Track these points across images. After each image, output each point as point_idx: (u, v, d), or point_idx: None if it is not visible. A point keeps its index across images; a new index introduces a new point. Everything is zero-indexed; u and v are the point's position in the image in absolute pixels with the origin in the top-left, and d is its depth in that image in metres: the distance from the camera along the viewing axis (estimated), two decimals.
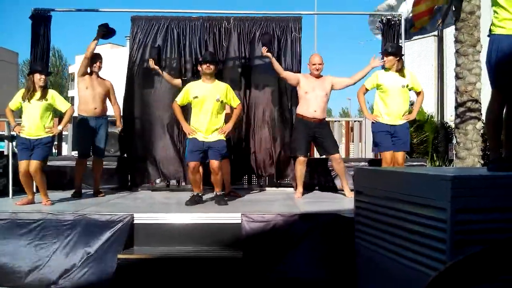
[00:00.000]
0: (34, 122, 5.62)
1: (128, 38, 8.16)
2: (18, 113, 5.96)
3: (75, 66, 47.53)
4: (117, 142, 7.64)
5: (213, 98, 5.67)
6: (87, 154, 6.53)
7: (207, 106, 5.67)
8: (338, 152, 6.49)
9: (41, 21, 7.78)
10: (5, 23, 71.72)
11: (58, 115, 6.48)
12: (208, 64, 5.71)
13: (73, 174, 7.01)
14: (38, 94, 5.65)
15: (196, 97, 5.69)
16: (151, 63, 6.61)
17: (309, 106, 6.32)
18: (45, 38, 7.79)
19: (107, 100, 6.64)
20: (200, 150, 5.67)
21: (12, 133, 7.17)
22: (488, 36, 3.72)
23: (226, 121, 5.97)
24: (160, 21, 7.58)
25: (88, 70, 6.54)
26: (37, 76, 5.67)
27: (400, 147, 6.09)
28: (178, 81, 6.71)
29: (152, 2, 69.75)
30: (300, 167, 6.40)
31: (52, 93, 5.79)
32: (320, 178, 7.39)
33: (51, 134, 5.70)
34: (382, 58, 6.31)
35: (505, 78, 3.60)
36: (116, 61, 33.20)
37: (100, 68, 6.59)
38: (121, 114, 6.81)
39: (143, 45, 7.48)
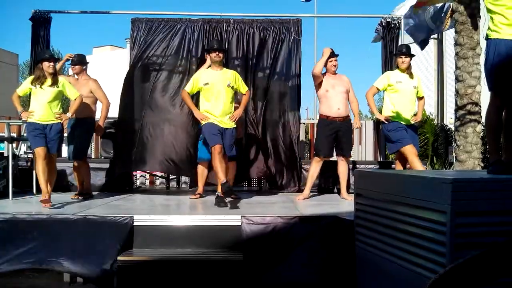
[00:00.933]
0: (45, 107, 5.66)
1: (128, 40, 8.16)
2: (25, 104, 5.96)
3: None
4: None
5: (224, 83, 5.78)
6: (68, 155, 6.53)
7: (219, 92, 5.78)
8: (350, 156, 6.49)
9: (41, 23, 7.82)
10: (5, 24, 71.73)
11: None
12: (217, 52, 5.83)
13: (72, 176, 7.02)
14: (49, 81, 5.70)
15: (207, 83, 5.79)
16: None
17: (332, 105, 6.30)
18: (45, 40, 7.81)
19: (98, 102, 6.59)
20: (219, 133, 5.75)
21: (12, 134, 7.17)
22: (486, 39, 3.75)
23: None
24: (160, 23, 7.59)
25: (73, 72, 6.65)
26: (46, 64, 5.69)
27: (413, 142, 6.07)
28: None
29: (152, 4, 69.81)
30: (313, 166, 6.41)
31: (62, 81, 5.84)
32: (321, 180, 7.36)
33: (60, 120, 5.75)
34: (395, 60, 6.31)
35: (502, 82, 3.62)
36: (116, 63, 33.21)
37: (76, 71, 6.58)
38: (107, 113, 6.61)
39: (143, 47, 7.49)
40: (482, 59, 7.58)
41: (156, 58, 7.45)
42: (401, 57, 6.16)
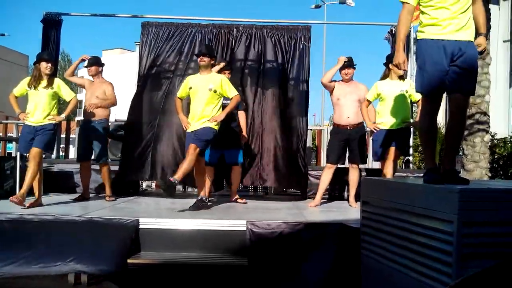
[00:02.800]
0: (39, 109, 5.66)
1: (138, 43, 8.20)
2: (23, 104, 5.98)
3: (84, 70, 47.70)
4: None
5: (205, 87, 5.75)
6: (83, 156, 6.54)
7: (200, 96, 5.77)
8: (360, 163, 6.45)
9: (52, 25, 7.87)
10: (17, 26, 72.31)
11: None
12: (201, 57, 5.87)
13: (79, 178, 7.06)
14: (44, 82, 5.70)
15: (190, 87, 5.84)
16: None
17: (342, 113, 6.30)
18: (55, 42, 7.87)
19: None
20: (191, 136, 5.74)
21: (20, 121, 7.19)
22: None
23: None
24: (170, 28, 7.62)
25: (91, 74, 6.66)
26: (43, 65, 5.71)
27: (394, 145, 6.04)
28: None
29: (162, 8, 70.18)
30: (325, 173, 6.39)
31: (58, 82, 5.83)
32: (331, 187, 7.30)
33: (53, 121, 5.70)
34: (388, 68, 6.29)
35: (429, 84, 3.61)
36: (125, 66, 33.35)
37: (91, 72, 6.60)
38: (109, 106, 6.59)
39: (153, 50, 7.52)
40: (491, 69, 7.58)
41: (166, 63, 7.48)
42: (390, 67, 6.18)
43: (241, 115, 6.70)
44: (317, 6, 27.18)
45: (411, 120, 6.46)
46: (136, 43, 29.58)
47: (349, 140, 6.31)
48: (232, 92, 5.87)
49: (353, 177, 6.38)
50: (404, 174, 7.32)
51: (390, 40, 8.33)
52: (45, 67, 5.71)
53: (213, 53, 6.30)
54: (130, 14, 9.01)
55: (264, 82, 7.47)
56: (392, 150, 6.00)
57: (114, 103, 6.50)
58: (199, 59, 5.90)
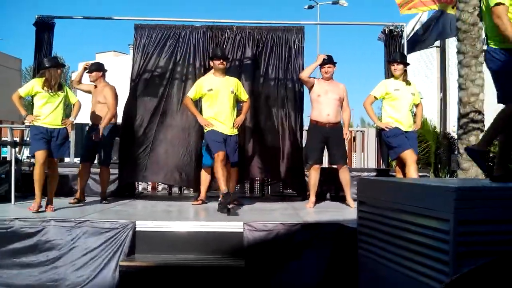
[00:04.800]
0: (56, 112, 5.71)
1: (132, 46, 8.17)
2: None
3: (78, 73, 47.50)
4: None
5: (227, 90, 5.87)
6: (87, 156, 6.62)
7: (223, 98, 5.85)
8: (345, 163, 6.45)
9: (44, 28, 7.83)
10: (9, 29, 71.96)
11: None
12: (221, 60, 5.93)
13: (75, 180, 7.03)
14: (59, 86, 5.77)
15: (211, 89, 5.85)
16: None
17: (322, 110, 6.30)
18: (48, 45, 7.83)
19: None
20: (223, 139, 5.82)
21: (14, 138, 7.18)
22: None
23: None
24: (164, 30, 7.60)
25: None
26: (59, 71, 5.84)
27: (411, 147, 6.07)
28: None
29: (155, 10, 70.10)
30: (313, 174, 6.37)
31: (65, 85, 5.97)
32: (323, 188, 7.33)
33: (65, 125, 5.79)
34: (390, 67, 6.33)
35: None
36: (119, 68, 33.26)
37: (93, 78, 6.69)
38: (109, 121, 6.58)
39: (146, 53, 7.50)
40: (485, 68, 7.61)
41: (160, 65, 7.46)
42: (393, 65, 6.22)
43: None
44: (310, 7, 27.24)
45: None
46: (130, 46, 29.51)
47: (328, 139, 6.32)
48: (245, 95, 6.11)
49: (345, 177, 6.37)
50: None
51: (383, 39, 8.34)
52: (58, 73, 5.80)
53: (228, 56, 6.44)
54: (123, 17, 8.98)
55: (258, 83, 7.46)
56: (410, 153, 5.98)
57: (112, 112, 6.53)
58: (218, 62, 5.92)
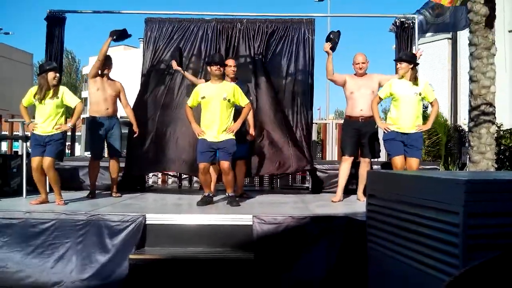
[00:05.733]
0: (47, 120, 5.68)
1: (142, 40, 8.19)
2: (32, 112, 6.00)
3: (89, 67, 47.87)
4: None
5: (219, 97, 5.74)
6: (100, 155, 6.60)
7: (214, 106, 5.74)
8: (373, 158, 6.44)
9: (55, 23, 7.86)
10: (21, 24, 72.44)
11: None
12: (218, 66, 5.82)
13: (85, 174, 7.08)
14: (50, 92, 5.70)
15: (203, 97, 5.79)
16: (174, 64, 6.77)
17: (355, 106, 6.29)
18: (59, 39, 7.87)
19: (118, 101, 6.71)
20: (209, 150, 5.74)
21: (26, 133, 7.22)
22: None
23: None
24: (174, 23, 7.61)
25: (99, 72, 6.61)
26: (51, 75, 5.72)
27: (413, 154, 5.97)
28: (201, 81, 6.70)
29: (165, 4, 70.11)
30: (343, 165, 6.36)
31: (63, 90, 5.83)
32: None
33: (59, 131, 5.72)
34: (396, 66, 6.25)
35: None
36: (129, 62, 33.39)
37: (109, 71, 6.68)
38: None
39: (156, 46, 7.51)
40: (497, 60, 7.54)
41: (170, 59, 7.47)
42: (397, 64, 6.13)
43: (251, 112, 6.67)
44: None
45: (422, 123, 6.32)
46: (140, 40, 29.60)
47: (361, 133, 6.29)
48: (244, 100, 5.92)
49: (363, 171, 6.32)
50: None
51: (395, 31, 8.29)
52: (52, 77, 5.72)
53: (225, 63, 6.29)
54: (133, 11, 9.00)
55: (268, 76, 7.44)
56: (415, 161, 5.89)
57: (126, 102, 6.68)
58: (215, 68, 5.81)
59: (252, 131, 6.55)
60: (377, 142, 6.49)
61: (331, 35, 6.44)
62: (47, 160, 5.57)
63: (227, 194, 5.87)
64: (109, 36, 6.69)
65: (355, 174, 6.79)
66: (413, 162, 5.92)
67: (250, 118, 6.57)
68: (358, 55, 6.43)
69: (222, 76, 5.95)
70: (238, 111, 6.00)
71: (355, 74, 6.42)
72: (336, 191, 6.43)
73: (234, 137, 5.84)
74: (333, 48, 6.36)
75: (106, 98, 6.50)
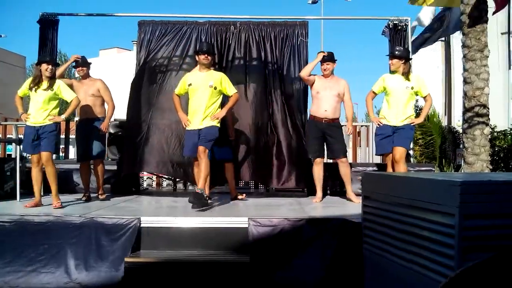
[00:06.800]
0: (39, 110, 5.67)
1: (135, 42, 8.18)
2: (27, 106, 5.97)
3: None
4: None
5: (206, 84, 5.74)
6: (84, 156, 6.53)
7: (200, 93, 5.75)
8: (345, 157, 6.48)
9: (48, 25, 7.86)
10: (13, 26, 72.05)
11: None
12: (206, 55, 5.82)
13: (79, 177, 7.06)
14: (45, 84, 5.70)
15: (190, 84, 5.81)
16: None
17: (320, 106, 6.38)
18: (52, 42, 7.85)
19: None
20: (195, 142, 5.73)
21: (19, 136, 7.19)
22: None
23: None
24: (167, 26, 7.62)
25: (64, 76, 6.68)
26: (44, 66, 5.72)
27: (398, 142, 6.03)
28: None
29: (159, 7, 70.00)
30: (316, 169, 6.44)
31: (59, 83, 5.82)
32: (328, 182, 7.31)
33: (52, 121, 5.70)
34: (388, 61, 6.33)
35: None
36: (122, 65, 33.24)
37: (84, 72, 6.61)
38: (112, 114, 6.69)
39: (149, 49, 7.51)
40: (490, 61, 7.57)
41: (163, 60, 7.48)
42: (390, 59, 6.23)
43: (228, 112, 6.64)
44: (314, 2, 27.17)
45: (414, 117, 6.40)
46: (133, 42, 29.53)
47: (325, 135, 6.38)
48: (231, 90, 5.89)
49: (344, 171, 6.39)
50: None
51: (387, 34, 8.31)
52: (45, 68, 5.71)
53: (214, 51, 6.32)
54: (126, 13, 9.00)
55: (262, 78, 7.45)
56: (398, 150, 5.99)
57: (109, 100, 6.56)
58: (202, 57, 5.81)
59: (231, 130, 6.62)
60: (343, 141, 6.64)
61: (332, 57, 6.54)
62: (45, 155, 5.59)
63: (194, 189, 5.77)
64: (70, 61, 6.81)
65: (337, 176, 6.86)
66: (397, 151, 5.96)
67: (230, 119, 6.58)
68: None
69: (210, 66, 5.94)
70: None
71: (322, 75, 6.52)
72: (316, 193, 6.53)
73: (217, 125, 5.80)
74: (322, 60, 6.48)
75: (86, 99, 6.41)
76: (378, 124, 6.17)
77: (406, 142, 6.22)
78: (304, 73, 6.53)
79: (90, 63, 6.74)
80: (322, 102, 6.36)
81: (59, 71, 6.56)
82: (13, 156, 7.55)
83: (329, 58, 6.47)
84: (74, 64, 6.69)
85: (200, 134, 5.72)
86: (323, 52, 6.51)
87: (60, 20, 8.02)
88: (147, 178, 8.99)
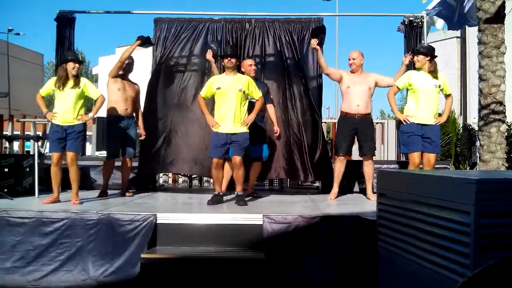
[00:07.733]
0: (67, 109, 5.71)
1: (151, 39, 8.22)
2: (48, 105, 6.04)
3: (98, 67, 48.00)
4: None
5: (235, 88, 5.77)
6: (116, 154, 6.64)
7: (230, 97, 5.77)
8: (373, 155, 6.46)
9: (65, 23, 7.94)
10: (31, 24, 72.81)
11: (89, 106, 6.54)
12: (229, 58, 5.85)
13: (97, 174, 7.13)
14: (71, 82, 5.75)
15: (219, 88, 5.81)
16: (209, 54, 6.82)
17: (351, 102, 6.32)
18: (69, 40, 7.93)
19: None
20: (222, 145, 5.76)
21: (38, 132, 7.30)
22: None
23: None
24: (183, 23, 7.65)
25: (121, 73, 6.65)
26: (70, 65, 5.77)
27: (432, 149, 5.98)
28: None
29: (175, 4, 70.23)
30: (339, 165, 6.41)
31: (84, 81, 5.90)
32: (345, 180, 7.27)
33: (81, 121, 5.77)
34: (413, 58, 6.24)
35: None
36: (139, 62, 33.32)
37: (131, 72, 6.74)
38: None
39: (166, 46, 7.55)
40: (506, 58, 7.51)
41: (179, 59, 7.52)
42: (415, 56, 6.14)
43: (270, 108, 6.67)
44: None
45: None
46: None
47: (358, 130, 6.32)
48: (257, 93, 5.95)
49: (368, 170, 6.37)
50: (421, 166, 7.28)
51: (402, 30, 8.27)
52: (72, 67, 5.76)
53: (237, 54, 6.34)
54: (143, 11, 9.06)
55: (277, 75, 7.46)
56: (432, 157, 5.98)
57: (139, 103, 6.71)
58: (226, 60, 5.85)
59: (276, 126, 6.58)
60: (374, 139, 6.59)
61: (319, 31, 6.60)
62: (71, 155, 5.68)
63: (236, 193, 5.88)
64: (136, 40, 6.72)
65: (353, 173, 6.84)
66: (432, 157, 5.97)
67: (273, 114, 6.61)
68: (352, 52, 6.51)
69: (235, 68, 5.97)
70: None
71: (351, 71, 6.47)
72: (332, 189, 6.52)
73: (248, 131, 5.84)
74: (320, 44, 6.43)
75: (127, 98, 6.54)
76: (405, 121, 6.08)
77: (439, 148, 6.24)
78: (322, 70, 6.57)
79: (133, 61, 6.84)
80: (354, 97, 6.30)
81: (127, 52, 6.61)
82: (31, 153, 7.64)
83: (317, 30, 6.56)
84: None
85: (233, 140, 5.75)
86: (314, 39, 6.38)
87: (77, 18, 8.10)
88: (163, 175, 9.05)
